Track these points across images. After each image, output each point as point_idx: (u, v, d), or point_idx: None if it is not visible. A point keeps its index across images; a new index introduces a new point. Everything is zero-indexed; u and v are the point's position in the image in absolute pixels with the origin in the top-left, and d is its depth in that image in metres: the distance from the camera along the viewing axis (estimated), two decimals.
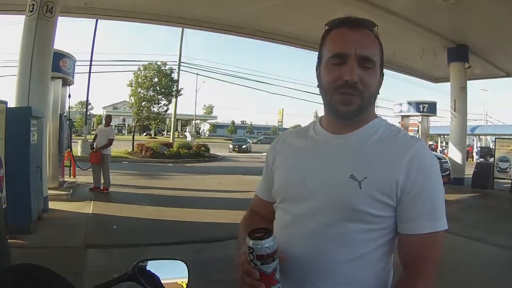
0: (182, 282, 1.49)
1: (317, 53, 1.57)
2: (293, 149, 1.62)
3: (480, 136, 50.39)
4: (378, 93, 1.54)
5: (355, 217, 1.38)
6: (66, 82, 13.02)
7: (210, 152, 32.20)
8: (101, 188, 12.22)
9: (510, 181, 16.80)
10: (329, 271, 1.40)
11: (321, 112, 1.60)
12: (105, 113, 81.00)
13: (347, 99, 1.43)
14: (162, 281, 1.42)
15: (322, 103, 1.55)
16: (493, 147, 21.38)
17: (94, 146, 12.58)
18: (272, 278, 1.31)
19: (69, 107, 13.92)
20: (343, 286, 1.40)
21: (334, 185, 1.41)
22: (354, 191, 1.37)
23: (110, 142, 12.48)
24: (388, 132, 1.50)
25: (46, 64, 9.52)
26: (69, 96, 13.62)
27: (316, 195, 1.43)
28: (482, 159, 33.43)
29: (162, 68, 31.46)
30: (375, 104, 1.60)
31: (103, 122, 13.89)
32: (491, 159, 20.47)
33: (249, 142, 52.27)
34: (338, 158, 1.46)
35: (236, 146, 47.02)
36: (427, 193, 1.37)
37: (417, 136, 25.94)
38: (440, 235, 1.38)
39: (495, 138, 20.28)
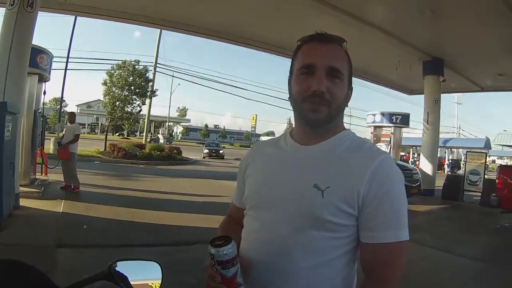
0: (155, 284, 1.54)
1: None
2: (263, 159, 1.68)
3: (452, 149, 51.12)
4: (347, 105, 1.61)
5: (318, 225, 1.42)
6: (42, 78, 12.91)
7: (182, 155, 32.09)
8: (72, 187, 12.07)
9: (479, 193, 17.09)
10: (294, 277, 1.44)
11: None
12: (78, 111, 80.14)
13: (316, 107, 1.49)
14: (136, 282, 1.47)
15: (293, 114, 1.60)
16: (464, 160, 21.70)
17: (62, 142, 12.46)
18: (233, 282, 1.40)
19: (43, 104, 13.77)
20: None
21: (299, 194, 1.46)
22: (317, 200, 1.41)
23: (76, 138, 12.30)
24: (355, 144, 1.55)
25: (24, 59, 9.38)
26: (44, 92, 13.52)
27: (282, 203, 1.48)
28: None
29: (137, 67, 31.17)
30: (343, 116, 1.65)
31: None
32: (459, 171, 20.81)
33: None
34: (304, 167, 1.51)
35: (213, 151, 42.89)
36: (389, 203, 1.41)
37: (389, 146, 26.32)
38: (402, 245, 1.41)
39: (466, 152, 20.62)
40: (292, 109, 1.59)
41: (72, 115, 13.46)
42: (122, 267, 1.47)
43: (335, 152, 1.51)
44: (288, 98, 1.62)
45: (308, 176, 1.46)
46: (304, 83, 1.50)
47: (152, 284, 1.53)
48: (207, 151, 42.71)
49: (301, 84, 1.51)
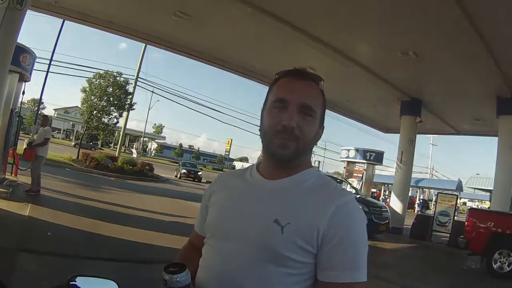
0: None
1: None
2: (227, 189, 1.67)
3: (424, 189, 51.70)
4: (316, 144, 1.63)
5: (276, 261, 1.40)
6: (23, 78, 12.80)
7: (154, 172, 31.85)
8: (36, 190, 11.91)
9: (448, 234, 17.26)
10: None
11: None
12: (55, 115, 79.30)
13: (284, 143, 1.49)
14: None
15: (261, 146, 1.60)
16: (435, 201, 21.95)
17: (32, 144, 12.40)
18: None
19: (21, 103, 13.62)
20: None
21: (258, 228, 1.45)
22: (276, 236, 1.40)
23: (45, 141, 12.18)
24: (320, 182, 1.55)
25: (7, 56, 9.29)
26: (23, 92, 13.40)
27: (241, 236, 1.47)
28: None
29: (118, 78, 31.04)
30: (311, 153, 1.66)
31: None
32: (428, 211, 21.01)
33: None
34: (266, 201, 1.50)
35: (191, 172, 40.90)
36: (349, 244, 1.40)
37: (361, 182, 26.52)
38: (359, 286, 1.39)
39: (438, 193, 20.88)
40: (261, 140, 1.60)
41: (45, 118, 13.38)
42: (80, 282, 1.47)
43: (299, 189, 1.51)
44: (259, 129, 1.62)
45: (270, 211, 1.46)
46: (276, 117, 1.51)
47: None
48: (185, 171, 40.81)
49: (273, 118, 1.52)
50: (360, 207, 1.53)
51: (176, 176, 40.52)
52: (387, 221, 16.36)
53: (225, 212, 1.58)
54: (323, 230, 1.39)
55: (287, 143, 1.48)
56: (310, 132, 1.52)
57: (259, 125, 1.61)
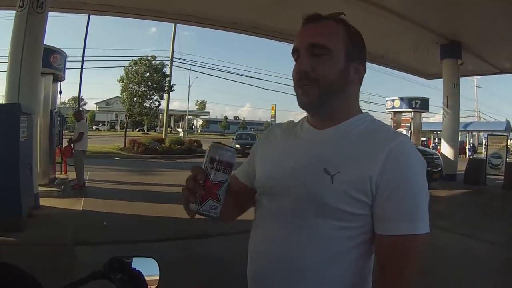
0: (153, 280, 1.46)
1: None
2: (275, 143, 1.61)
3: (473, 133, 50.58)
4: (355, 83, 1.49)
5: (325, 213, 1.33)
6: (57, 78, 13.00)
7: (203, 148, 31.80)
8: (73, 184, 12.21)
9: (502, 177, 16.92)
10: (303, 269, 1.36)
11: None
12: (97, 108, 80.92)
13: (304, 90, 1.42)
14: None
15: None
16: (485, 144, 21.47)
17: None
18: (215, 192, 1.32)
19: (60, 103, 13.89)
20: (319, 285, 1.36)
21: (307, 179, 1.38)
22: (326, 185, 1.33)
23: (80, 136, 12.42)
24: (371, 128, 1.45)
25: (36, 60, 9.40)
26: (60, 92, 13.65)
27: (291, 189, 1.41)
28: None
29: (153, 62, 31.25)
30: (357, 98, 1.55)
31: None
32: (476, 155, 20.59)
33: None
34: (314, 152, 1.43)
35: (248, 147, 24.89)
36: (405, 191, 1.29)
37: (410, 132, 26.08)
38: (418, 238, 1.28)
39: (487, 135, 20.39)
40: None
41: (77, 113, 13.64)
42: (120, 263, 1.42)
43: (349, 136, 1.42)
44: None
45: (318, 160, 1.38)
46: (295, 68, 1.44)
47: (151, 280, 1.46)
48: (239, 146, 28.24)
49: (294, 71, 1.45)
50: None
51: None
52: (440, 168, 16.12)
53: (274, 167, 1.51)
54: (376, 178, 1.29)
55: (307, 89, 1.41)
56: (329, 71, 1.40)
57: None
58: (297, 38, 1.45)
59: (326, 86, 1.40)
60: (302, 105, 1.46)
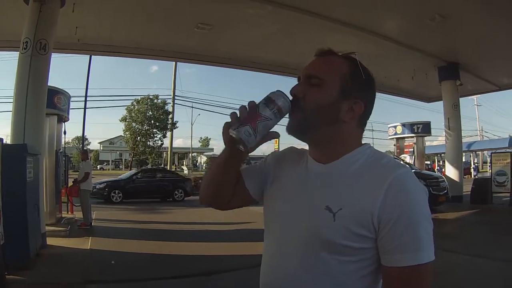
0: None
1: None
2: (288, 169, 1.62)
3: (477, 152, 50.51)
4: (345, 121, 1.46)
5: (329, 249, 1.36)
6: (61, 119, 13.14)
7: None
8: (80, 224, 12.18)
9: (509, 194, 16.86)
10: None
11: None
12: (101, 148, 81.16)
13: (292, 114, 1.46)
14: None
15: None
16: (489, 162, 21.49)
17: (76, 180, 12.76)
18: (256, 121, 1.37)
19: (65, 143, 14.01)
20: None
21: (310, 217, 1.41)
22: (328, 223, 1.35)
23: (86, 176, 12.44)
24: (371, 160, 1.46)
25: (41, 100, 9.51)
26: (65, 132, 13.79)
27: (297, 227, 1.43)
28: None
29: (155, 101, 31.39)
30: (358, 131, 1.54)
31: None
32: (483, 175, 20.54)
33: None
34: (317, 187, 1.45)
35: None
36: (406, 224, 1.29)
37: (413, 157, 26.07)
38: (423, 267, 1.29)
39: (491, 153, 20.45)
40: None
41: (83, 153, 13.73)
42: None
43: (349, 170, 1.44)
44: None
45: (320, 197, 1.41)
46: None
47: None
48: None
49: None
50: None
51: None
52: (445, 191, 16.06)
53: (282, 195, 1.56)
54: (378, 212, 1.31)
55: (294, 114, 1.45)
56: (318, 100, 1.43)
57: None
58: (303, 69, 1.51)
59: (310, 113, 1.43)
60: (287, 128, 1.49)
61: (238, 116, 1.39)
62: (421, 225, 1.30)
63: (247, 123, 1.36)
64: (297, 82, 1.52)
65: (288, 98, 1.41)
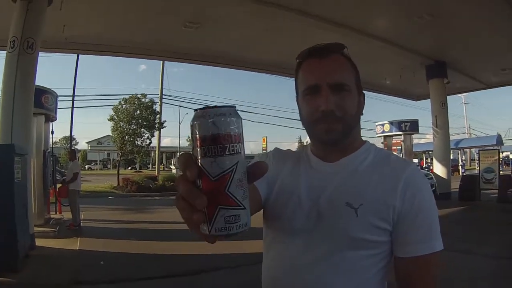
0: None
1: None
2: (286, 170, 1.59)
3: (465, 150, 50.85)
4: (362, 114, 1.55)
5: (354, 245, 1.37)
6: (49, 118, 13.09)
7: None
8: (68, 224, 12.08)
9: (496, 191, 17.07)
10: None
11: (304, 138, 1.58)
12: (89, 148, 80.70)
13: (329, 127, 1.42)
14: None
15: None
16: (477, 159, 21.68)
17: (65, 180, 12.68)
18: (223, 191, 0.77)
19: (52, 143, 13.90)
20: None
21: (330, 215, 1.40)
22: (350, 219, 1.36)
23: (74, 176, 12.31)
24: (379, 156, 1.51)
25: (28, 99, 9.43)
26: (52, 132, 13.69)
27: (315, 226, 1.42)
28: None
29: (143, 100, 31.21)
30: (360, 126, 1.59)
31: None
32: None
33: None
34: (332, 186, 1.44)
35: None
36: (423, 215, 1.37)
37: (401, 154, 26.19)
38: (436, 255, 1.37)
39: (479, 150, 20.63)
40: (305, 129, 1.54)
41: (70, 153, 13.62)
42: None
43: (361, 166, 1.47)
44: (300, 119, 1.56)
45: (338, 194, 1.41)
46: (312, 104, 1.44)
47: None
48: None
49: (310, 105, 1.45)
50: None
51: None
52: (433, 188, 16.15)
53: (293, 202, 1.48)
54: (398, 206, 1.36)
55: (332, 126, 1.42)
56: (351, 107, 1.45)
57: (295, 113, 1.57)
58: (314, 74, 1.45)
59: (349, 123, 1.45)
60: (322, 141, 1.48)
61: (191, 203, 0.78)
62: (434, 215, 1.41)
63: (216, 205, 0.78)
64: (308, 91, 1.47)
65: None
